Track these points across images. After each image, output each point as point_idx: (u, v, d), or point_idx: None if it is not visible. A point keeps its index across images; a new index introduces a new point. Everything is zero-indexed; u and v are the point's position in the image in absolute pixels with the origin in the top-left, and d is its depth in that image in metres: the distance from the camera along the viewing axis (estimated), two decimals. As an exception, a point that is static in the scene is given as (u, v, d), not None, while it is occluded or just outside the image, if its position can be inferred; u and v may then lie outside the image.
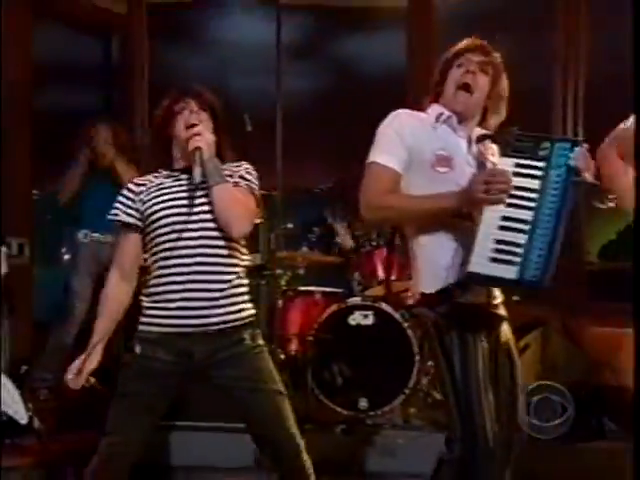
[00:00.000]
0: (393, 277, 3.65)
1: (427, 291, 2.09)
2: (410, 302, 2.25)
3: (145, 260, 2.19)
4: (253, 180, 2.17)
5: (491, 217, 2.01)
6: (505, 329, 2.18)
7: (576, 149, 2.05)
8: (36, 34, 4.12)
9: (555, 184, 2.06)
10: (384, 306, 3.52)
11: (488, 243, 2.01)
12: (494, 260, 2.00)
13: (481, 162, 2.11)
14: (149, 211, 2.09)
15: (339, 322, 3.51)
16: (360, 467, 3.32)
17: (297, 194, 4.18)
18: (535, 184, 2.04)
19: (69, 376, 2.12)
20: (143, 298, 2.15)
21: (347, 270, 3.85)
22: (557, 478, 3.05)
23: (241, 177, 2.14)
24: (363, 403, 3.43)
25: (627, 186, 2.29)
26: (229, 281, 2.09)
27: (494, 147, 2.12)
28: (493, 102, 2.16)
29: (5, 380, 3.01)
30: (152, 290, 2.11)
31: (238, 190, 2.13)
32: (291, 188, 3.89)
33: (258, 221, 3.29)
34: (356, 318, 3.49)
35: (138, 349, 2.11)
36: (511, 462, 2.16)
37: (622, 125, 2.35)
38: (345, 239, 3.83)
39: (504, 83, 2.17)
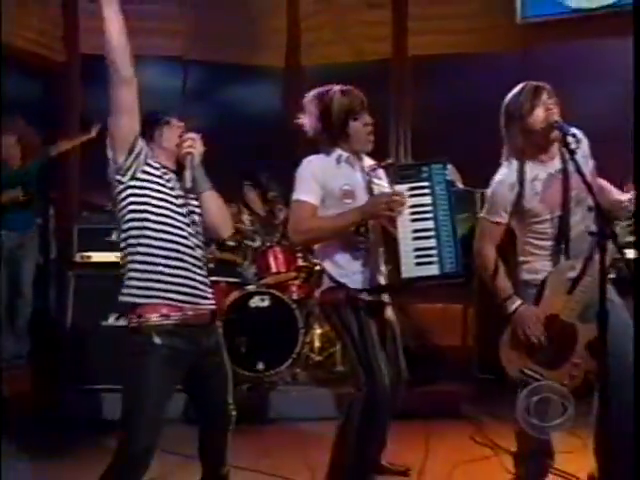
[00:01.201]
0: (283, 270, 4.40)
1: (330, 286, 2.56)
2: (318, 293, 2.67)
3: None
4: None
5: (405, 233, 2.40)
6: (388, 309, 2.66)
7: (448, 167, 2.48)
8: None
9: (441, 196, 2.44)
10: (277, 292, 4.23)
11: (410, 253, 2.38)
12: (418, 264, 2.39)
13: (372, 186, 2.54)
14: None
15: (241, 305, 4.09)
16: (262, 415, 3.93)
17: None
18: (428, 200, 2.43)
19: None
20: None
21: (242, 265, 4.49)
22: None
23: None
24: (261, 366, 4.07)
25: None
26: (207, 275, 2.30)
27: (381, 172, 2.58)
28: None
29: None
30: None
31: (218, 196, 2.30)
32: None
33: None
34: (255, 301, 4.13)
35: (158, 340, 2.12)
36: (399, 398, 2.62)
37: None
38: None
39: None
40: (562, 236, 2.50)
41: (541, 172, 2.51)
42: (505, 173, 2.55)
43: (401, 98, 5.41)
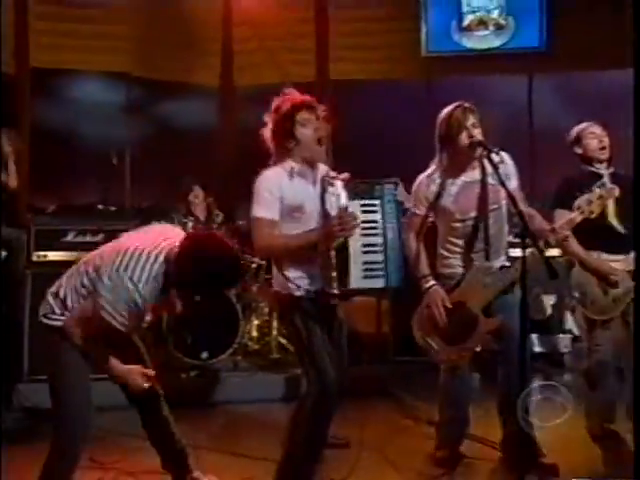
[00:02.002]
0: None
1: (278, 289, 2.60)
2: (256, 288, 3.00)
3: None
4: None
5: (355, 246, 2.44)
6: (339, 311, 2.65)
7: (399, 187, 2.59)
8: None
9: (390, 214, 2.52)
10: None
11: (358, 265, 2.44)
12: (366, 277, 2.47)
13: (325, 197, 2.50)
14: None
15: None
16: (208, 398, 4.20)
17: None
18: (377, 217, 2.50)
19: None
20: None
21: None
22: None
23: None
24: (204, 355, 4.35)
25: None
26: None
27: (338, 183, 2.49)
28: (328, 146, 2.60)
29: None
30: None
31: None
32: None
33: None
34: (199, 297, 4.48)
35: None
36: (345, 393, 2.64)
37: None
38: None
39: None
40: (476, 238, 2.86)
41: (458, 179, 2.89)
42: (429, 173, 2.93)
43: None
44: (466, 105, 2.88)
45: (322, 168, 2.60)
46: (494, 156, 2.71)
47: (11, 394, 3.93)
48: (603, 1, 5.47)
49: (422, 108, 5.85)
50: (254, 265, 5.01)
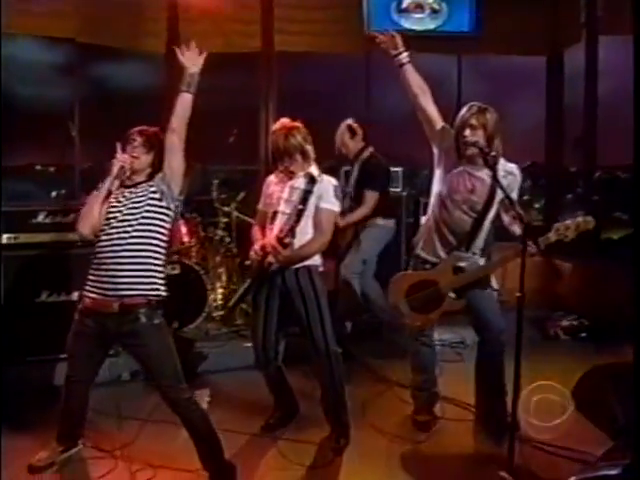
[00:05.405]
0: (187, 240, 4.76)
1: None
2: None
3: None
4: None
5: None
6: (291, 279, 3.01)
7: None
8: None
9: None
10: (186, 261, 4.57)
11: None
12: None
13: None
14: None
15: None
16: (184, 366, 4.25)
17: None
18: None
19: None
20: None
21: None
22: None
23: None
24: (175, 325, 4.32)
25: None
26: None
27: None
28: None
29: None
30: None
31: None
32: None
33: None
34: (168, 270, 4.03)
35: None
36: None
37: None
38: None
39: None
40: (467, 231, 3.01)
41: (463, 170, 2.99)
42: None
43: (268, 84, 5.80)
44: (476, 106, 2.96)
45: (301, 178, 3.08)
46: (490, 158, 2.81)
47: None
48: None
49: (360, 82, 5.90)
50: (216, 237, 4.95)
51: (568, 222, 2.87)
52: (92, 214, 2.73)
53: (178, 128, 2.67)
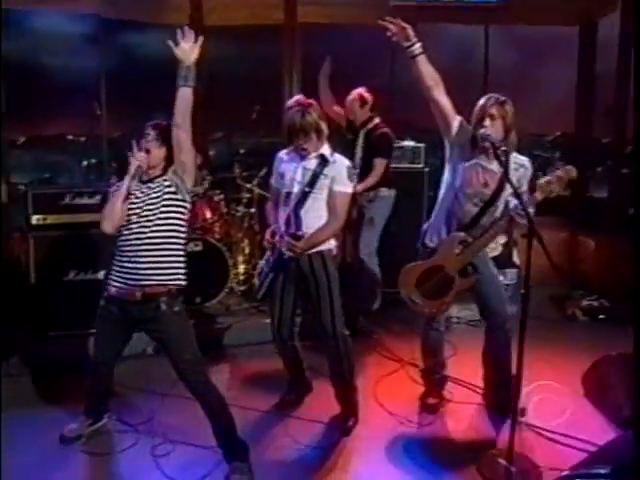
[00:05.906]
0: (209, 216, 4.77)
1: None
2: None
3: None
4: None
5: None
6: (305, 264, 3.06)
7: None
8: None
9: None
10: (209, 237, 4.63)
11: None
12: None
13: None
14: None
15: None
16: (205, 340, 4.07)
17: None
18: None
19: None
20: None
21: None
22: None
23: None
24: (198, 299, 4.46)
25: None
26: None
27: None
28: None
29: None
30: None
31: None
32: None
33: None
34: (190, 246, 4.32)
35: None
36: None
37: None
38: None
39: None
40: (473, 218, 3.02)
41: (478, 161, 3.00)
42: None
43: (292, 56, 5.71)
44: (495, 98, 2.94)
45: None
46: (500, 152, 2.81)
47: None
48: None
49: (384, 54, 5.76)
50: (239, 214, 5.02)
51: (548, 177, 2.82)
52: (114, 213, 2.82)
53: (182, 123, 2.70)
